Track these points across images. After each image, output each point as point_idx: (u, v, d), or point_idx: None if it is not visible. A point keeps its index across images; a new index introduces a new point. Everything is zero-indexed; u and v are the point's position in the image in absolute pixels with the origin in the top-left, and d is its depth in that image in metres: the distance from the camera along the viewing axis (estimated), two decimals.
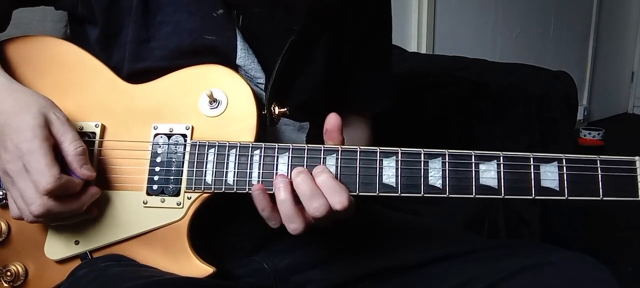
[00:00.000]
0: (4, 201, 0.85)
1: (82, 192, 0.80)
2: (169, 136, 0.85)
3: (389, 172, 0.79)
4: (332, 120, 0.81)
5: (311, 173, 0.78)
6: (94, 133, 0.86)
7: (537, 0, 4.28)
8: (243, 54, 0.91)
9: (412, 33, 3.21)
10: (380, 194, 0.79)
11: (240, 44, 0.91)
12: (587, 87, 5.19)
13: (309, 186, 0.77)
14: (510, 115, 1.81)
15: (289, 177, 0.79)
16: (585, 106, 5.17)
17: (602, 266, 0.86)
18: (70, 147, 0.79)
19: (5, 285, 0.88)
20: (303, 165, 0.80)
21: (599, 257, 0.87)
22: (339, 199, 0.76)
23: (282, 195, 0.78)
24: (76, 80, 0.90)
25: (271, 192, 0.80)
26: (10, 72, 0.88)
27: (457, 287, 0.91)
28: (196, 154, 0.83)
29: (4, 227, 0.88)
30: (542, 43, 4.42)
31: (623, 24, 5.67)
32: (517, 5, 4.06)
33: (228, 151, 0.83)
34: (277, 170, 0.81)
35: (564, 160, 0.77)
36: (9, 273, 0.87)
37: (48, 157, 0.75)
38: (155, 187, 0.84)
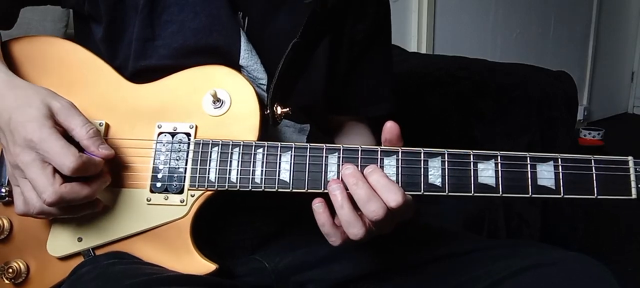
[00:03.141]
0: (7, 198, 0.86)
1: (95, 178, 0.80)
2: (172, 135, 0.86)
3: (390, 170, 0.79)
4: (393, 130, 0.80)
5: (364, 175, 0.78)
6: (98, 132, 0.86)
7: (537, 0, 4.28)
8: (246, 55, 0.92)
9: (412, 33, 3.21)
10: None
11: (244, 45, 0.92)
12: (587, 87, 5.21)
13: (364, 190, 0.76)
14: (510, 115, 1.82)
15: (340, 179, 0.79)
16: (585, 106, 5.18)
17: (602, 266, 0.86)
18: (82, 131, 0.78)
19: (7, 282, 0.88)
20: (305, 163, 0.81)
21: (599, 257, 0.87)
22: (393, 197, 0.75)
23: (339, 200, 0.77)
24: (80, 79, 0.90)
25: (321, 191, 0.80)
26: (15, 71, 0.88)
27: (457, 287, 0.91)
28: (200, 152, 0.84)
29: (6, 223, 0.88)
30: (542, 43, 4.42)
31: (623, 24, 5.68)
32: (517, 5, 4.07)
33: (231, 150, 0.83)
34: (280, 168, 0.81)
35: (559, 160, 0.78)
36: (10, 270, 0.87)
37: (62, 140, 0.76)
38: (158, 184, 0.85)
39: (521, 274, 0.86)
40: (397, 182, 0.79)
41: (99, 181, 0.81)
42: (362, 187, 0.76)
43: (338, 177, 0.80)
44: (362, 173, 0.78)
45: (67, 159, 0.74)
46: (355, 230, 0.77)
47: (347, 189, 0.78)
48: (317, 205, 0.78)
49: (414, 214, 0.82)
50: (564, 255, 0.89)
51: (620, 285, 0.83)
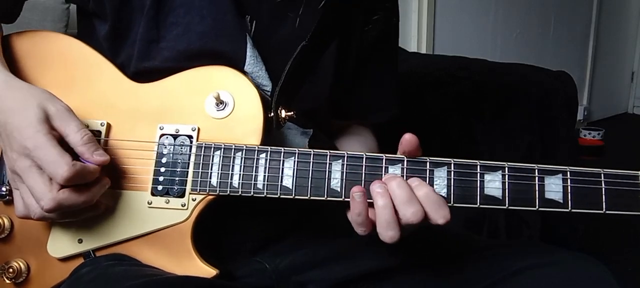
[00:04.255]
0: (8, 197, 0.85)
1: (93, 183, 0.79)
2: (174, 137, 0.85)
3: None
4: (413, 142, 0.78)
5: (406, 180, 0.77)
6: (99, 132, 0.86)
7: (537, 0, 4.28)
8: (252, 61, 0.91)
9: (412, 33, 3.21)
10: None
11: (249, 51, 0.91)
12: (587, 87, 5.21)
13: (405, 191, 0.75)
14: (510, 115, 1.82)
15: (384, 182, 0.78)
16: (585, 106, 5.18)
17: (602, 266, 0.86)
18: (77, 137, 0.77)
19: (7, 281, 0.88)
20: (309, 170, 0.80)
21: (599, 257, 0.87)
22: (443, 213, 0.75)
23: (383, 199, 0.76)
24: (82, 76, 0.90)
25: (324, 198, 0.80)
26: (15, 66, 0.88)
27: (457, 286, 0.91)
28: (202, 156, 0.83)
29: (6, 223, 0.88)
30: (542, 43, 4.42)
31: (623, 24, 5.68)
32: (517, 5, 4.07)
33: (234, 154, 0.83)
34: (282, 174, 0.81)
35: (568, 173, 0.77)
36: (10, 270, 0.87)
37: (57, 147, 0.75)
38: (160, 187, 0.84)
39: (521, 274, 0.86)
40: None
41: (98, 186, 0.80)
42: (403, 188, 0.75)
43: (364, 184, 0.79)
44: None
45: (61, 168, 0.73)
46: (393, 233, 0.76)
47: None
48: (358, 194, 0.77)
49: None
50: (564, 255, 0.88)
51: (620, 285, 0.83)
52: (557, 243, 1.56)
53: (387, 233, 0.76)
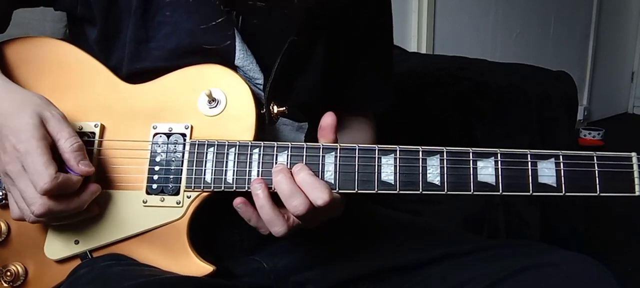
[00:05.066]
0: (4, 201, 0.86)
1: (82, 190, 0.80)
2: (168, 135, 0.85)
3: (388, 169, 0.79)
4: (327, 119, 0.81)
5: (291, 172, 0.79)
6: (94, 133, 0.86)
7: (537, 0, 4.28)
8: (242, 55, 0.91)
9: (412, 33, 3.21)
10: (379, 192, 0.79)
11: (239, 45, 0.91)
12: (587, 87, 5.21)
13: (287, 185, 0.77)
14: (510, 115, 1.81)
15: (261, 179, 0.80)
16: (585, 106, 5.18)
17: (602, 266, 0.85)
18: (66, 144, 0.78)
19: (5, 285, 0.88)
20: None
21: (599, 257, 0.86)
22: (319, 195, 0.76)
23: (260, 200, 0.79)
24: (75, 80, 0.90)
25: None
26: (10, 73, 0.88)
27: (457, 287, 0.91)
28: (195, 153, 0.84)
29: (3, 227, 0.88)
30: (542, 43, 4.42)
31: (623, 24, 5.69)
32: (517, 5, 4.07)
33: (227, 150, 0.83)
34: None
35: (561, 157, 0.77)
36: (8, 273, 0.87)
37: (45, 156, 0.75)
38: (154, 186, 0.84)
39: (521, 274, 0.86)
40: (395, 181, 0.79)
41: (88, 192, 0.81)
42: (286, 182, 0.78)
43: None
44: (291, 171, 0.79)
45: (42, 180, 0.74)
46: (277, 229, 0.79)
47: (271, 188, 0.79)
48: (240, 206, 0.80)
49: (342, 212, 0.84)
50: (564, 255, 0.88)
51: (620, 285, 0.83)
52: (557, 243, 1.55)
53: (272, 229, 0.79)
